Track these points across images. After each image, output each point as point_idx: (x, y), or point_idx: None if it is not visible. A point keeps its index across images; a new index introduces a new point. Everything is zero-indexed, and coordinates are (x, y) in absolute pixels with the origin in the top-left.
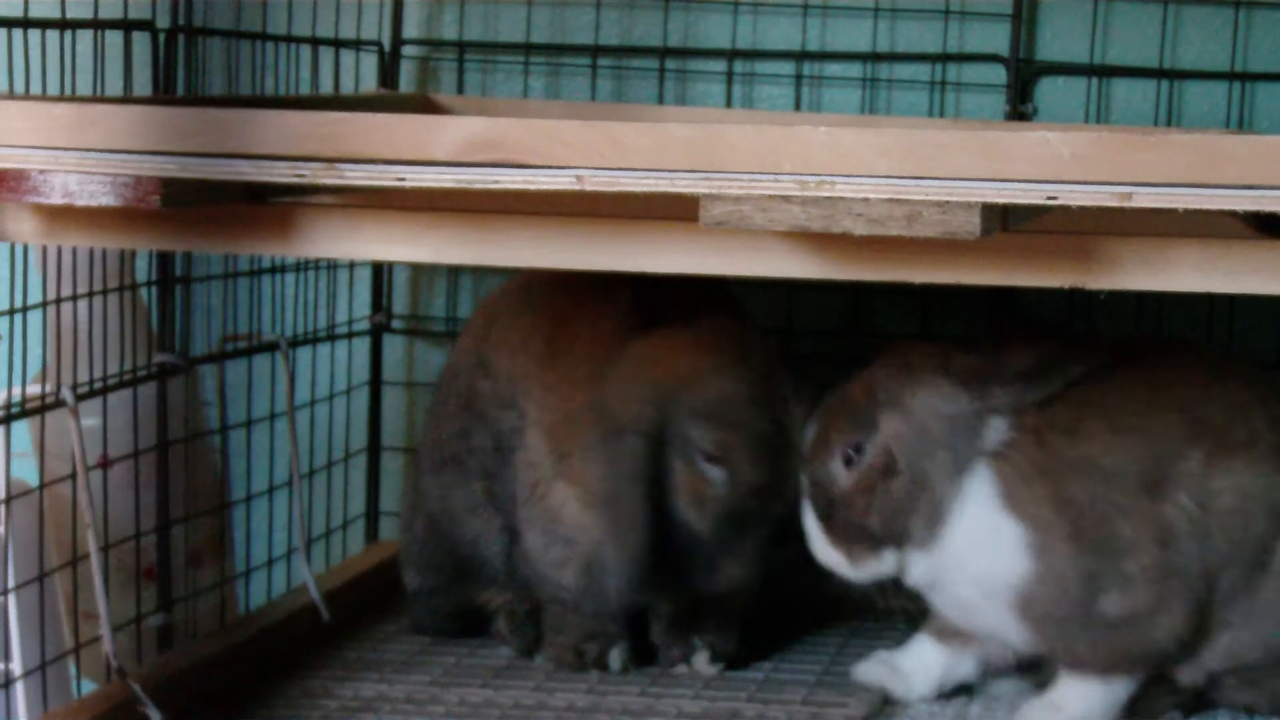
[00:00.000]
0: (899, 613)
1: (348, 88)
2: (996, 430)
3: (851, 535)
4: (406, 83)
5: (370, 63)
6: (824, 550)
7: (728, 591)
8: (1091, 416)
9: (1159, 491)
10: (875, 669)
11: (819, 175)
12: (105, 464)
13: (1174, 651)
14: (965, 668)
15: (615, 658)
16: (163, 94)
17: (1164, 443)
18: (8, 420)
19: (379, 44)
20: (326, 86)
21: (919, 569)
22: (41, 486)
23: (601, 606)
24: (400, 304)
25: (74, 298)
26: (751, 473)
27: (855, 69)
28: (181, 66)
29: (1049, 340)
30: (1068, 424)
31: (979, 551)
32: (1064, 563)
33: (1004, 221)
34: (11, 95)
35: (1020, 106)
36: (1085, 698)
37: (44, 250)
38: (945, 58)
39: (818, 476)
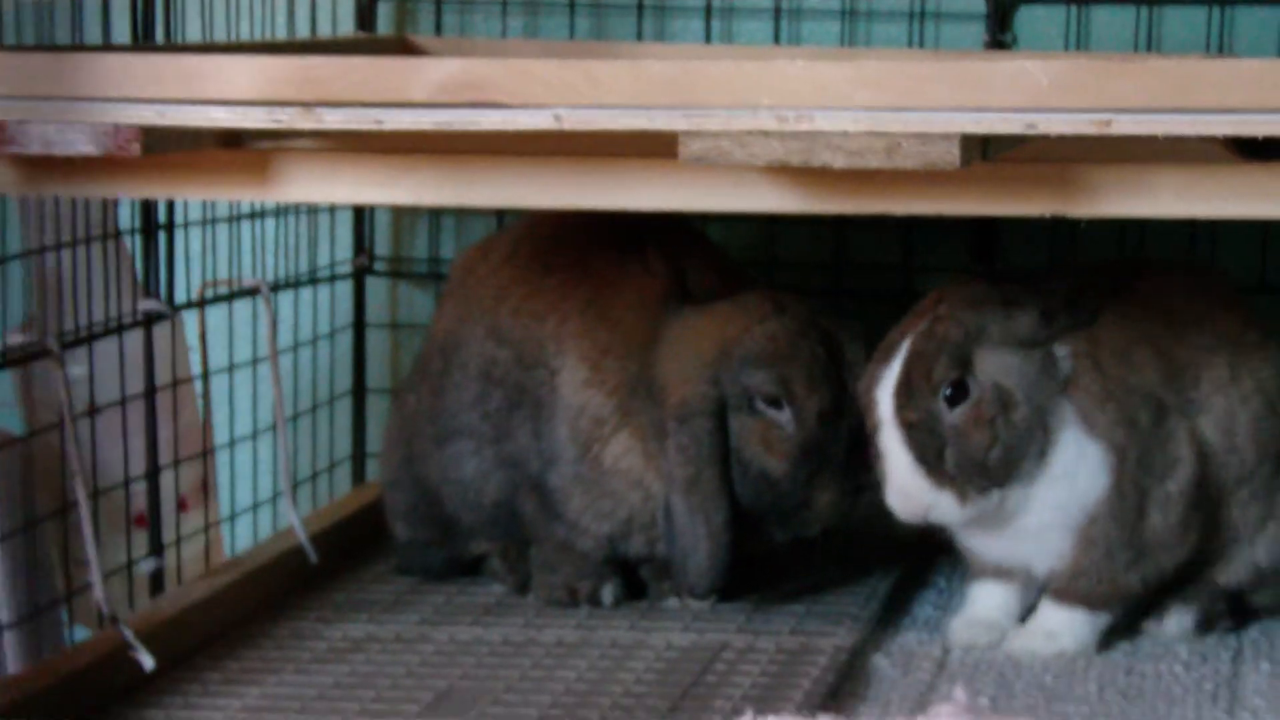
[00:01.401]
0: None
1: (325, 31)
2: (1065, 360)
3: (965, 474)
4: (384, 25)
5: (347, 5)
6: (924, 494)
7: (828, 522)
8: (1139, 344)
9: (1194, 410)
10: (966, 631)
11: (798, 109)
12: (92, 412)
13: (1160, 585)
14: (1027, 597)
15: (608, 594)
16: (141, 42)
17: (1196, 361)
18: None
19: None
20: (303, 30)
21: (1008, 504)
22: (29, 436)
23: (689, 591)
24: (382, 246)
25: (57, 247)
26: (814, 400)
27: (834, 1)
28: (160, 14)
29: (1067, 271)
30: (1119, 351)
31: (1068, 478)
32: (1129, 483)
33: (984, 151)
34: None
35: (999, 36)
36: (1073, 627)
37: (24, 200)
38: None
39: (916, 419)
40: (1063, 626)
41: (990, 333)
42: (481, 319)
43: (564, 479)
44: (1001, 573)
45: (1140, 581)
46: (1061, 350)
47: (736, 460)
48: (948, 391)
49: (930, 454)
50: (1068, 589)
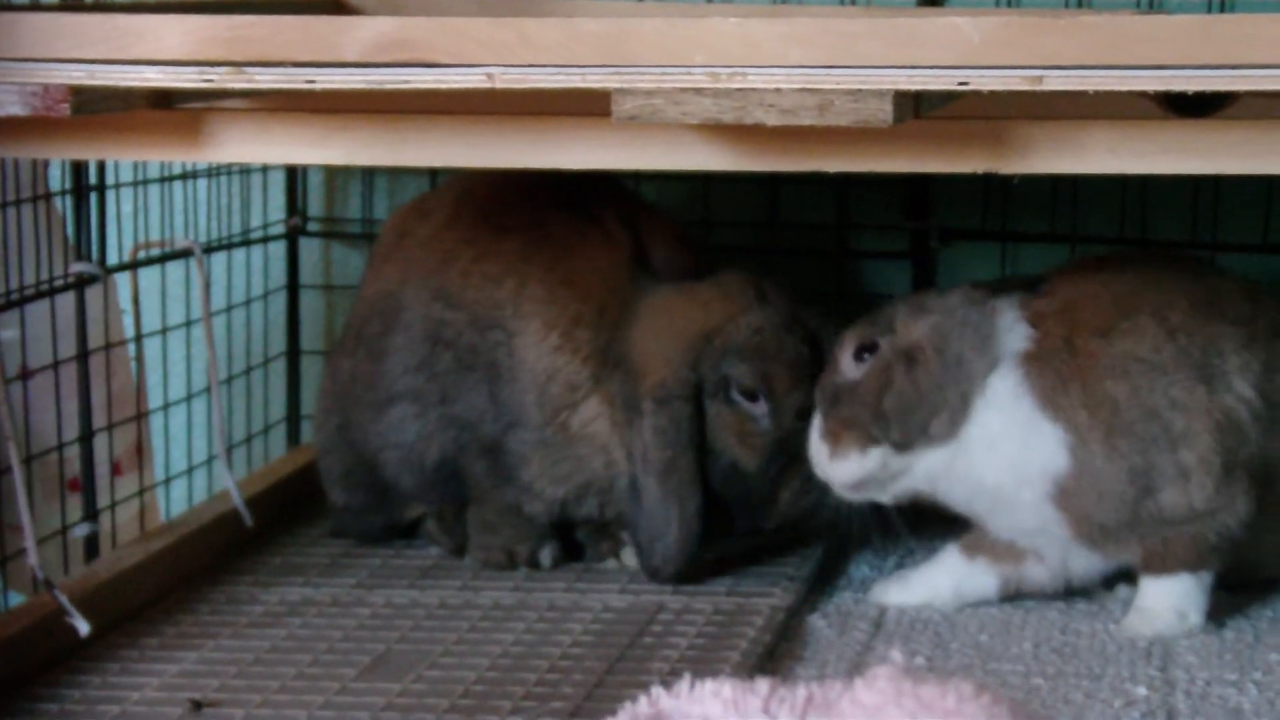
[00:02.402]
0: None
1: None
2: (1019, 334)
3: (852, 422)
4: None
5: None
6: (814, 446)
7: (791, 521)
8: (1130, 315)
9: (1215, 384)
10: (887, 589)
11: (730, 67)
12: (24, 375)
13: (1241, 537)
14: (985, 583)
15: (546, 556)
16: (70, 1)
17: (1210, 335)
18: None
19: None
20: None
21: (930, 464)
22: None
23: (653, 574)
24: (315, 207)
25: None
26: (793, 398)
27: None
28: None
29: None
30: (1099, 326)
31: (1012, 440)
32: (1103, 463)
33: (916, 108)
34: None
35: None
36: (1188, 594)
37: None
38: None
39: (827, 377)
40: (1180, 598)
41: (922, 304)
42: (426, 281)
43: (524, 443)
44: (975, 550)
45: (1210, 530)
46: (1018, 326)
47: (707, 448)
48: (861, 351)
49: (827, 406)
50: (1149, 559)
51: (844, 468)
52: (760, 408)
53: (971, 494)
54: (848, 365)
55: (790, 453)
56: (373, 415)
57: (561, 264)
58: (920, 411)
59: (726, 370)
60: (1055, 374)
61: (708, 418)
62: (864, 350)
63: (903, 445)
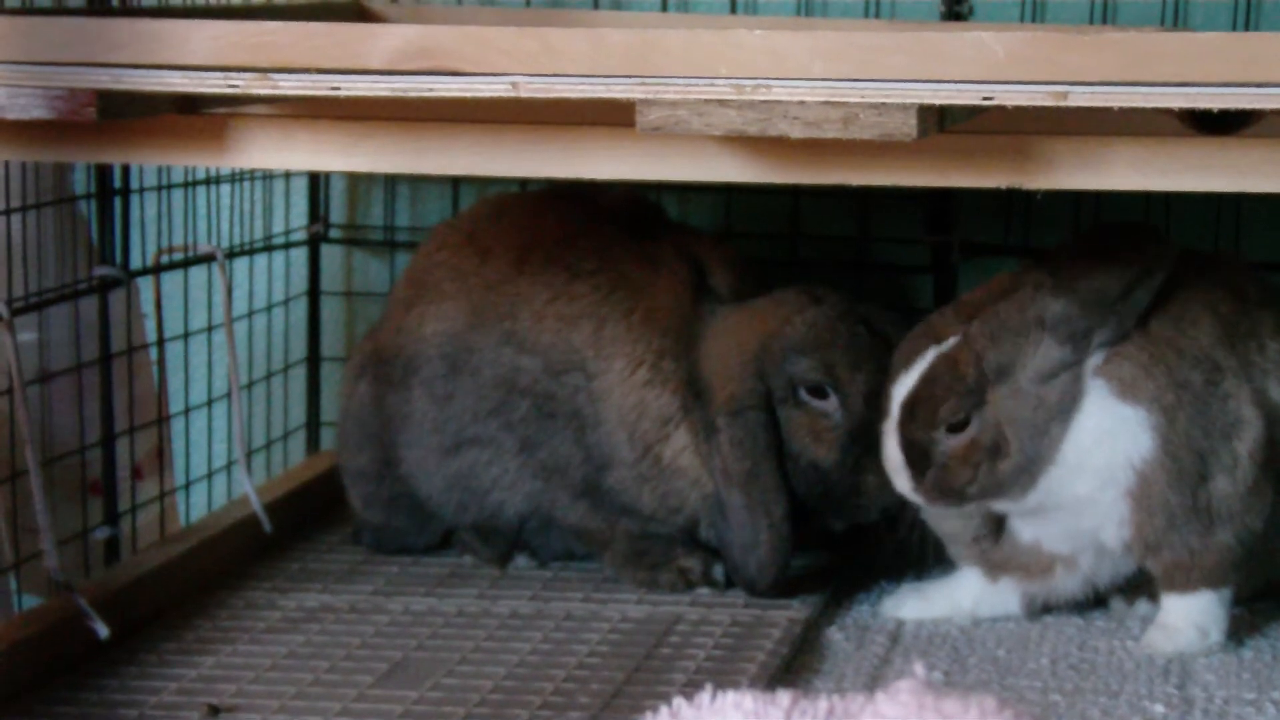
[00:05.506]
0: None
1: None
2: (1098, 356)
3: (941, 492)
4: None
5: None
6: (907, 490)
7: (882, 504)
8: (1192, 307)
9: (1260, 374)
10: (902, 602)
11: (755, 79)
12: (45, 378)
13: (1257, 548)
14: (1006, 602)
15: (719, 572)
16: (95, 5)
17: (1260, 329)
18: None
19: None
20: None
21: (1016, 506)
22: None
23: (749, 587)
24: (337, 213)
25: (8, 211)
26: (859, 381)
27: None
28: None
29: (1123, 256)
30: (1169, 314)
31: (1101, 448)
32: (1183, 441)
33: (940, 122)
34: None
35: (955, 7)
36: (1210, 612)
37: None
38: None
39: (914, 437)
40: (1202, 615)
41: (1011, 372)
42: (496, 325)
43: (624, 480)
44: (995, 568)
45: (1236, 541)
46: (1099, 349)
47: (786, 453)
48: (952, 424)
49: (918, 464)
50: (1173, 574)
51: (936, 510)
52: (830, 403)
53: (1051, 505)
54: (940, 438)
55: (867, 440)
56: (437, 459)
57: (638, 300)
58: (994, 492)
59: (790, 369)
60: (1135, 365)
61: (782, 425)
62: (956, 424)
63: (983, 501)
